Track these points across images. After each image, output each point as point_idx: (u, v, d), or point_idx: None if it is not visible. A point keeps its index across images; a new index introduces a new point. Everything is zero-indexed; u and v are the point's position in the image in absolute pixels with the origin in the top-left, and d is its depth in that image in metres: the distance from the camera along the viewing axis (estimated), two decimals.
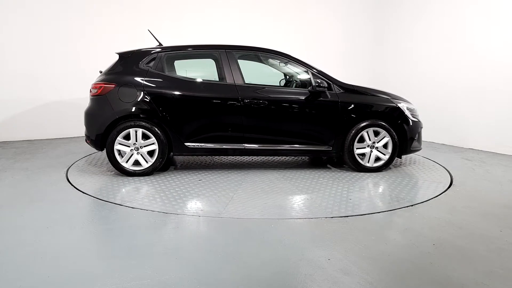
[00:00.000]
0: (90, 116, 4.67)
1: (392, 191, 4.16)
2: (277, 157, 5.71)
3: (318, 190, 4.13)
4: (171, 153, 4.71)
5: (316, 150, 4.83)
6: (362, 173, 4.83)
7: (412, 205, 3.70)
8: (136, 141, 4.51)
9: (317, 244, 2.83)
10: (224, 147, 4.68)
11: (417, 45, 7.85)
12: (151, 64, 4.64)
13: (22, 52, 6.91)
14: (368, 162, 4.85)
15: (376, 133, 4.81)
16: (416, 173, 4.93)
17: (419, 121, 5.04)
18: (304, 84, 4.97)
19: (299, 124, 4.76)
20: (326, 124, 4.76)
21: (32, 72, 7.01)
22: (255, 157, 5.68)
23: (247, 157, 5.68)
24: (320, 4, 8.89)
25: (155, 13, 7.69)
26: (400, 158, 5.18)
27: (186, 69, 5.43)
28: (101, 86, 4.55)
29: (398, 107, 4.87)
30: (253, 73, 5.28)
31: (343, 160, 4.97)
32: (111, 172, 4.78)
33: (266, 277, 2.35)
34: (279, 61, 5.16)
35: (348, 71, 8.39)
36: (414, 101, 5.54)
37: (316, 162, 5.52)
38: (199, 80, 4.75)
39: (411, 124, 4.89)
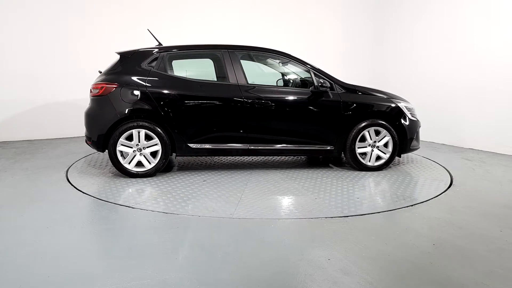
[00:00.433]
0: (91, 117, 4.61)
1: (396, 189, 4.19)
2: (277, 156, 5.72)
3: (324, 190, 4.15)
4: (173, 154, 4.66)
5: (319, 149, 4.85)
6: (363, 172, 4.86)
7: (412, 205, 3.70)
8: (139, 142, 4.45)
9: (317, 244, 2.83)
10: (227, 147, 4.66)
11: (417, 45, 7.85)
12: (154, 64, 4.60)
13: (22, 52, 6.91)
14: (369, 161, 4.90)
15: (377, 133, 4.85)
16: (418, 173, 4.94)
17: (418, 120, 5.10)
18: (304, 84, 4.98)
19: (302, 124, 4.78)
20: (328, 123, 4.79)
21: (32, 72, 7.01)
22: (255, 157, 5.68)
23: (246, 157, 5.68)
24: (320, 4, 8.89)
25: (155, 13, 7.69)
26: (400, 157, 5.22)
27: (189, 69, 5.42)
28: (103, 86, 4.48)
29: (398, 107, 4.93)
30: (254, 73, 5.28)
31: (345, 159, 5.00)
32: (111, 172, 4.78)
33: (266, 277, 2.35)
34: (280, 61, 5.16)
35: (348, 71, 8.39)
36: (414, 101, 5.55)
37: (317, 161, 5.52)
38: (202, 80, 4.75)
39: (410, 123, 4.95)
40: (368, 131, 4.81)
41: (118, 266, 2.48)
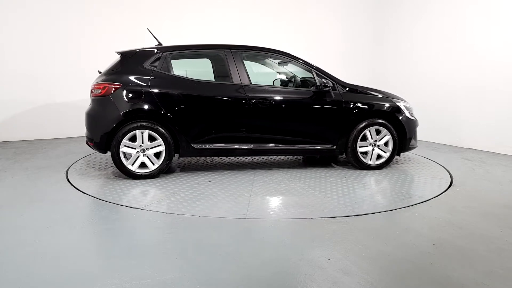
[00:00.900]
0: (93, 118, 4.52)
1: (400, 188, 4.25)
2: (277, 156, 5.72)
3: (331, 189, 4.16)
4: (176, 155, 4.60)
5: (322, 149, 4.88)
6: (365, 171, 4.92)
7: (412, 205, 3.70)
8: (143, 143, 4.39)
9: (317, 244, 2.83)
10: (231, 147, 4.64)
11: (417, 45, 7.85)
12: (156, 64, 4.54)
13: (22, 52, 6.91)
14: (370, 160, 4.96)
15: (377, 132, 4.91)
16: (419, 172, 4.95)
17: (416, 119, 5.18)
18: (305, 83, 5.00)
19: (305, 124, 4.81)
20: (331, 123, 4.82)
21: (32, 72, 7.00)
22: (255, 157, 5.67)
23: (247, 157, 5.67)
24: (320, 4, 8.89)
25: (155, 13, 7.69)
26: (399, 155, 5.27)
27: (192, 69, 5.41)
28: (105, 87, 4.39)
29: (398, 106, 4.99)
30: (256, 73, 5.29)
31: (346, 158, 5.04)
32: (111, 172, 4.78)
33: (266, 277, 2.35)
34: (282, 61, 5.18)
35: (348, 71, 8.39)
36: (414, 101, 5.56)
37: (317, 161, 5.52)
38: (205, 80, 4.73)
39: (410, 122, 5.02)
40: (369, 130, 4.87)
41: (118, 266, 2.48)
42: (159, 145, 4.42)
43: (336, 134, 4.83)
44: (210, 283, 2.28)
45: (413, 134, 5.07)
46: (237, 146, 4.65)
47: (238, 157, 5.65)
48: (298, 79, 5.12)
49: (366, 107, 4.85)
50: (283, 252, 2.69)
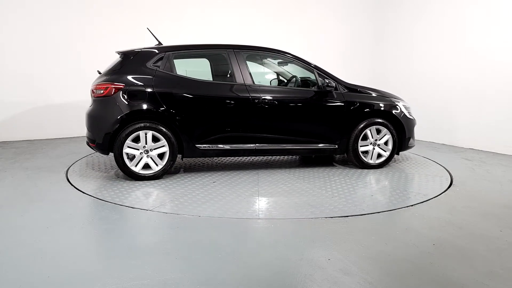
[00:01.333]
0: (95, 118, 4.44)
1: (404, 187, 4.30)
2: (277, 156, 5.72)
3: (337, 188, 4.18)
4: (179, 156, 4.56)
5: (324, 148, 4.90)
6: (367, 170, 4.98)
7: (412, 205, 3.70)
8: (146, 143, 4.33)
9: (317, 244, 2.83)
10: (235, 147, 4.63)
11: (417, 45, 7.85)
12: (159, 63, 4.50)
13: (22, 53, 6.90)
14: (371, 159, 5.01)
15: (377, 131, 4.95)
16: (420, 171, 4.96)
17: (414, 118, 5.24)
18: (305, 83, 5.02)
19: (309, 123, 4.83)
20: (333, 123, 4.85)
21: (32, 72, 7.01)
22: (255, 156, 5.67)
23: (247, 157, 5.67)
24: (320, 4, 8.89)
25: (155, 13, 7.69)
26: (398, 154, 5.33)
27: (195, 69, 5.39)
28: (108, 87, 4.33)
29: (398, 106, 5.05)
30: (259, 73, 5.28)
31: (347, 157, 5.08)
32: (111, 172, 4.77)
33: (266, 277, 2.35)
34: (284, 61, 5.18)
35: (348, 71, 8.39)
36: (414, 101, 5.57)
37: (318, 160, 5.52)
38: (209, 80, 4.73)
39: (409, 122, 5.09)
40: (370, 130, 4.91)
41: (118, 266, 2.48)
42: (163, 146, 4.37)
43: (338, 134, 4.86)
44: (210, 283, 2.28)
45: (411, 134, 5.14)
46: (240, 146, 4.64)
47: (240, 157, 5.65)
48: (299, 79, 5.13)
49: (367, 106, 4.89)
50: (283, 252, 2.69)
